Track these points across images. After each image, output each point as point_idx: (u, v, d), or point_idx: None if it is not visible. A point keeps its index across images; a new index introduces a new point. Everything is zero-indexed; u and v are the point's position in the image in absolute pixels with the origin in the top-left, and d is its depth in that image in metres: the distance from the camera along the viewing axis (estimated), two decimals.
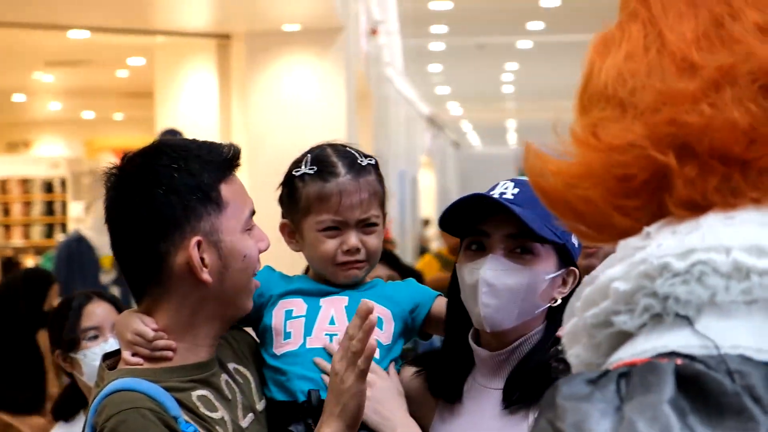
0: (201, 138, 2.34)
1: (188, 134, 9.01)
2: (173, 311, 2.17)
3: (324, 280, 2.40)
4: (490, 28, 15.09)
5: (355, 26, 11.28)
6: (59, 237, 14.72)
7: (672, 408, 0.97)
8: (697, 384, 0.98)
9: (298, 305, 2.37)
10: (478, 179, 31.22)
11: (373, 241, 2.37)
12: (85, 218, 8.60)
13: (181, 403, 2.10)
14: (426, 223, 24.21)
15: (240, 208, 2.19)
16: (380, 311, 2.35)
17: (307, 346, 2.32)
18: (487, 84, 21.17)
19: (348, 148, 2.42)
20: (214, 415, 2.15)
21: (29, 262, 12.75)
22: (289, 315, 2.36)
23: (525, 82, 20.98)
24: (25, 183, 17.36)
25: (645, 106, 1.16)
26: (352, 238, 2.34)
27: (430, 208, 25.34)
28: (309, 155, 2.40)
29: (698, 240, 1.09)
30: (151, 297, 2.20)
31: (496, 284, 2.27)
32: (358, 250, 2.35)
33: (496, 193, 2.30)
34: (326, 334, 2.33)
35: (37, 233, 17.02)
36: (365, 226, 2.36)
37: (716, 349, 1.01)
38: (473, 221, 2.33)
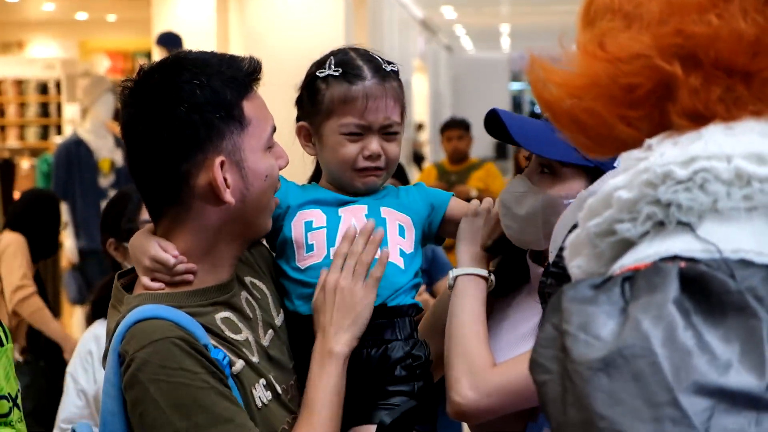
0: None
1: (186, 37, 8.95)
2: (193, 233, 2.11)
3: (339, 188, 2.37)
4: None
5: None
6: (55, 139, 14.67)
7: (676, 307, 1.00)
8: (700, 284, 1.02)
9: (317, 216, 2.33)
10: (470, 84, 30.97)
11: (394, 148, 2.33)
12: (83, 121, 8.53)
13: (206, 328, 2.06)
14: (419, 127, 24.13)
15: (262, 125, 2.11)
16: (401, 218, 2.35)
17: (332, 257, 2.27)
18: None
19: (371, 53, 2.36)
20: (238, 337, 2.12)
21: (25, 163, 12.73)
22: (309, 227, 2.32)
23: None
24: (20, 84, 17.21)
25: (651, 18, 1.19)
26: (374, 143, 2.29)
27: (423, 112, 25.22)
28: (332, 58, 2.33)
29: (700, 148, 1.12)
30: (169, 218, 2.12)
31: (511, 207, 2.27)
32: (379, 156, 2.30)
33: None
34: None
35: (32, 135, 16.92)
36: (387, 132, 2.31)
37: (718, 252, 1.05)
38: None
